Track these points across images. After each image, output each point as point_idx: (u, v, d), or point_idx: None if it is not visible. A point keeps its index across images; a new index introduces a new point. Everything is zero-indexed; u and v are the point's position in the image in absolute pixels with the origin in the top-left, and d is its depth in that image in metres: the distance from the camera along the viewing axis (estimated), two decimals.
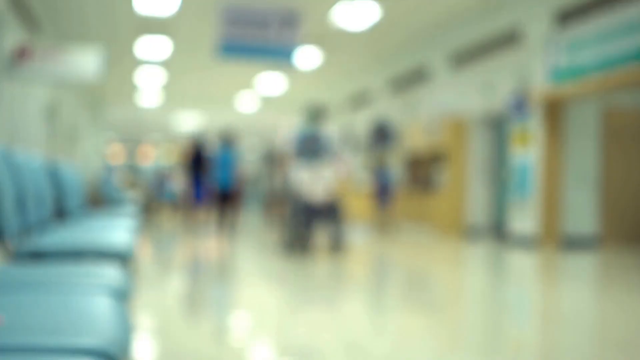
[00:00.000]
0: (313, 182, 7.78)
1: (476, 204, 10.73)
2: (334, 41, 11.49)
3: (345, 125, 16.58)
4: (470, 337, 3.63)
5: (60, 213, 3.95)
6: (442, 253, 8.43)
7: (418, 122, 12.38)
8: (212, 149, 11.15)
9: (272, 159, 21.01)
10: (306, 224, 7.53)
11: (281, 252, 7.54)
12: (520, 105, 8.90)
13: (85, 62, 8.25)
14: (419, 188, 12.33)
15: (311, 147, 8.15)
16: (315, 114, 8.58)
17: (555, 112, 8.69)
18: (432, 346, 3.30)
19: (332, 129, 13.39)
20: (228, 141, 10.53)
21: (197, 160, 11.53)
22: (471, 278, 6.20)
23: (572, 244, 8.72)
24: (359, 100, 15.72)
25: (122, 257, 2.48)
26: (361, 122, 15.38)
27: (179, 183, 18.50)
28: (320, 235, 9.22)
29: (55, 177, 3.84)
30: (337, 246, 7.59)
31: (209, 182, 10.91)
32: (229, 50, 8.73)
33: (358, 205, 14.68)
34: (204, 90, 17.21)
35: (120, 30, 11.13)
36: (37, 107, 9.76)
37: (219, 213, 10.73)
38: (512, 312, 4.51)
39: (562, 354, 3.26)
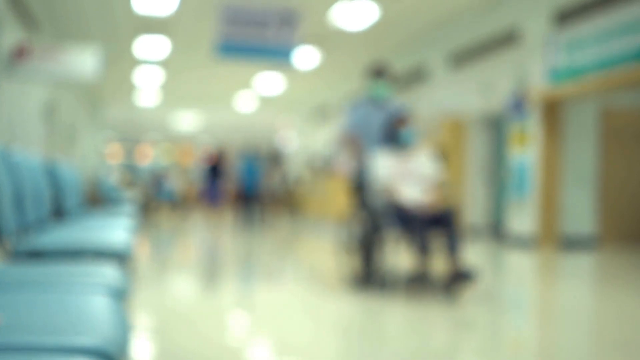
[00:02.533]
0: (403, 180, 4.93)
1: (474, 203, 10.74)
2: (333, 41, 11.49)
3: None
4: (469, 337, 3.63)
5: (59, 212, 3.94)
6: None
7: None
8: (232, 159, 13.47)
9: (271, 159, 21.02)
10: (421, 245, 4.54)
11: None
12: (518, 105, 8.91)
13: (84, 61, 8.25)
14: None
15: (384, 126, 5.23)
16: (380, 72, 5.30)
17: (553, 112, 8.69)
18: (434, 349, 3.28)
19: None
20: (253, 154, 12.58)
21: (215, 167, 14.53)
22: None
23: (570, 244, 8.72)
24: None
25: (120, 257, 2.48)
26: None
27: (178, 183, 18.49)
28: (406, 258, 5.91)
29: (53, 176, 3.83)
30: (457, 277, 4.50)
31: (226, 186, 14.17)
32: (227, 50, 8.72)
33: None
34: (202, 90, 17.20)
35: (118, 30, 11.12)
36: (36, 106, 9.75)
37: (245, 212, 13.63)
38: (511, 312, 4.51)
39: (560, 354, 3.26)
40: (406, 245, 4.86)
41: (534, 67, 8.72)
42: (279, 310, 4.20)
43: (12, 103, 8.24)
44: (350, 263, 5.39)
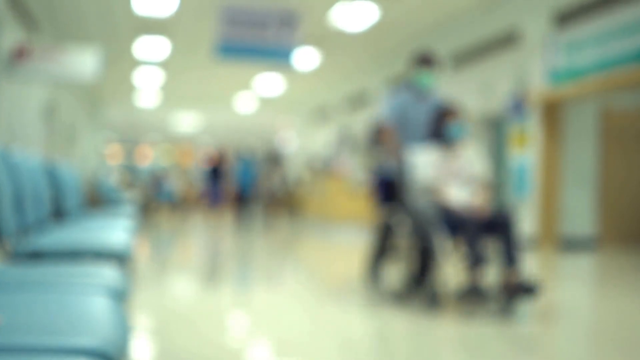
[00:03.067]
0: (450, 179, 4.39)
1: None
2: (332, 42, 11.49)
3: (343, 126, 16.58)
4: (466, 337, 3.62)
5: (58, 213, 3.94)
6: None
7: None
8: (232, 161, 13.89)
9: (271, 160, 21.03)
10: (475, 253, 3.99)
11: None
12: (518, 106, 8.91)
13: (84, 62, 8.25)
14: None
15: (430, 119, 4.59)
16: (425, 60, 4.73)
17: (553, 113, 8.69)
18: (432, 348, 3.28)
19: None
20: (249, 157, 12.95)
21: (216, 169, 15.07)
22: None
23: (570, 245, 8.72)
24: (358, 101, 15.72)
25: (120, 257, 2.48)
26: (360, 123, 15.38)
27: (178, 184, 18.49)
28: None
29: (53, 177, 3.83)
30: (517, 291, 3.94)
31: (226, 187, 14.81)
32: (227, 51, 8.72)
33: (356, 206, 14.68)
34: (202, 90, 17.20)
35: (118, 30, 11.12)
36: (36, 107, 9.75)
37: (240, 213, 14.18)
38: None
39: (559, 354, 3.25)
40: (455, 254, 4.25)
41: (534, 68, 8.72)
42: (278, 311, 4.19)
43: (12, 103, 8.24)
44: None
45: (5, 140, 7.66)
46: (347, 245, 9.62)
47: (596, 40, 7.59)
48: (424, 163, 4.36)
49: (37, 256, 2.42)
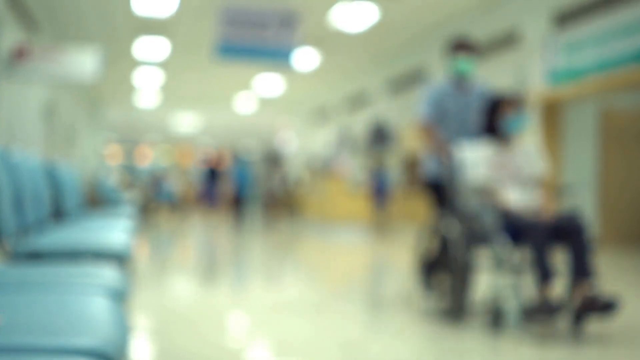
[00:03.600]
0: (506, 179, 3.84)
1: None
2: (332, 42, 11.49)
3: (343, 127, 16.58)
4: (469, 338, 3.62)
5: (58, 213, 3.94)
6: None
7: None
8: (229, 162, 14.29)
9: (270, 160, 21.03)
10: (543, 264, 3.48)
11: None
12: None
13: (83, 62, 8.25)
14: (417, 189, 12.33)
15: (481, 111, 4.08)
16: (460, 45, 4.23)
17: (553, 113, 8.69)
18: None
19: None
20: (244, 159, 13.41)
21: (213, 170, 15.52)
22: None
23: None
24: (357, 101, 15.72)
25: (119, 258, 2.47)
26: (359, 123, 15.38)
27: (177, 184, 18.48)
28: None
29: (53, 177, 3.83)
30: (593, 307, 3.35)
31: (224, 188, 15.35)
32: (227, 51, 8.72)
33: (355, 206, 14.68)
34: (202, 91, 17.21)
35: (118, 31, 11.12)
36: (35, 107, 9.75)
37: (236, 214, 14.32)
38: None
39: None
40: (520, 264, 3.64)
41: (534, 69, 8.72)
42: (278, 311, 4.19)
43: (12, 104, 8.24)
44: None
45: (5, 141, 7.66)
46: (347, 246, 9.62)
47: (596, 41, 7.59)
48: (476, 161, 3.81)
49: (36, 256, 2.42)
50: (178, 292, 5.20)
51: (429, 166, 4.22)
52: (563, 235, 3.57)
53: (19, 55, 8.00)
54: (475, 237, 3.74)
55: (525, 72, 8.89)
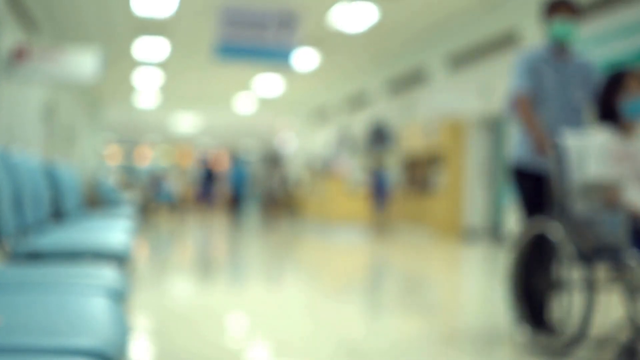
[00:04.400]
0: (630, 175, 3.05)
1: (474, 205, 10.73)
2: (332, 43, 11.49)
3: (343, 127, 16.59)
4: (466, 338, 3.63)
5: (58, 214, 3.94)
6: (439, 255, 8.43)
7: (416, 123, 12.38)
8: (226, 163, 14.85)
9: (270, 161, 21.05)
10: None
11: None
12: None
13: (83, 62, 8.25)
14: (417, 189, 12.33)
15: (596, 92, 3.38)
16: (557, 5, 3.41)
17: None
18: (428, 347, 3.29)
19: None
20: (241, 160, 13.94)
21: (210, 171, 16.14)
22: (468, 280, 6.20)
23: None
24: (357, 101, 15.72)
25: (119, 258, 2.48)
26: (359, 124, 15.38)
27: (177, 185, 18.49)
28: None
29: (52, 178, 3.83)
30: None
31: (220, 189, 16.04)
32: (227, 52, 8.73)
33: (355, 206, 14.68)
34: (201, 91, 17.21)
35: (118, 31, 11.12)
36: (35, 108, 9.75)
37: (234, 213, 14.77)
38: (509, 313, 4.51)
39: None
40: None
41: None
42: (277, 311, 4.20)
43: (12, 104, 8.24)
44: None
45: (4, 141, 7.66)
46: (346, 246, 9.63)
47: (596, 41, 7.60)
48: (597, 151, 3.02)
49: (36, 257, 2.42)
50: (178, 292, 5.20)
51: (524, 149, 3.42)
52: None
53: (19, 55, 8.00)
54: (598, 250, 2.94)
55: None
